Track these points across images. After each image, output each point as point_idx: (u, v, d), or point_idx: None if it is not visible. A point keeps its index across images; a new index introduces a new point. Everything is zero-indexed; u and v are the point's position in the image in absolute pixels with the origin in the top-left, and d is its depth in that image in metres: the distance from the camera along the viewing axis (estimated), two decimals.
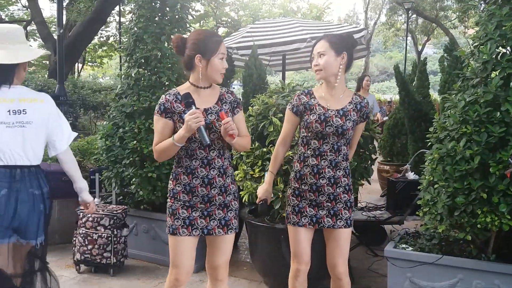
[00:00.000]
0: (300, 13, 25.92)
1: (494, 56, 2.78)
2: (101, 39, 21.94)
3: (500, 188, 2.58)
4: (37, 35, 17.91)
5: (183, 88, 2.28)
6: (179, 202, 2.25)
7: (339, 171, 2.43)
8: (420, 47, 32.40)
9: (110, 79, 43.32)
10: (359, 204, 4.52)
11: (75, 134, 2.60)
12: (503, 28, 2.75)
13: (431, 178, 2.95)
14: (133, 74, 3.89)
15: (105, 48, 23.29)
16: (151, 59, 3.86)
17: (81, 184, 2.59)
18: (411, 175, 4.66)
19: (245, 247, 4.57)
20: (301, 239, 2.46)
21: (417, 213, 3.28)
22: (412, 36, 30.09)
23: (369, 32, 5.90)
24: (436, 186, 2.89)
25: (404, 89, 5.76)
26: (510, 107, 2.64)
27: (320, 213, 2.42)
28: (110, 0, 10.18)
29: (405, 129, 6.49)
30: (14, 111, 2.29)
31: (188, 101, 2.10)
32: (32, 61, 23.83)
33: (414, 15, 26.33)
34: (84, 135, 7.17)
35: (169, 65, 3.92)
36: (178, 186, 2.25)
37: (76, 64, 18.82)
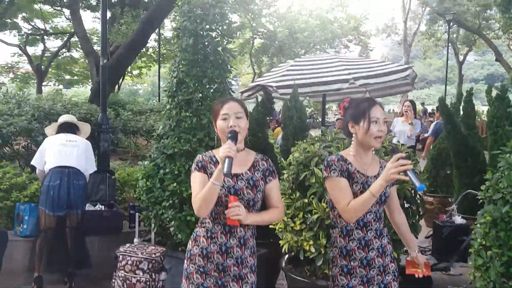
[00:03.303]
0: (337, 23, 25.64)
1: None
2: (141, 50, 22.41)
3: None
4: (80, 46, 18.44)
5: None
6: (194, 266, 2.21)
7: (384, 239, 2.31)
8: (461, 57, 31.44)
9: (148, 86, 44.32)
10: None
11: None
12: None
13: (483, 242, 2.80)
14: (174, 116, 3.90)
15: (144, 59, 23.81)
16: (192, 101, 3.86)
17: None
18: (458, 219, 4.49)
19: None
20: None
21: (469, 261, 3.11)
22: (453, 46, 29.23)
23: (414, 70, 5.70)
24: (489, 252, 2.74)
25: (450, 122, 5.54)
26: None
27: None
28: (151, 22, 10.33)
29: (449, 159, 6.26)
30: (70, 140, 4.43)
31: (229, 135, 2.13)
32: (74, 71, 24.73)
33: (455, 26, 25.57)
34: (123, 158, 7.28)
35: (210, 107, 3.90)
36: (196, 248, 2.22)
37: None
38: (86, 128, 4.77)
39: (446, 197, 6.30)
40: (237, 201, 2.14)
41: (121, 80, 21.71)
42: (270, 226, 3.53)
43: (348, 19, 26.24)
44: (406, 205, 3.29)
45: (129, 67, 24.00)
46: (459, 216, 4.48)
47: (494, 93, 5.18)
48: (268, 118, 4.54)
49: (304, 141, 3.58)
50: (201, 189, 2.13)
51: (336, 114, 26.64)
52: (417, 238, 3.37)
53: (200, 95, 3.89)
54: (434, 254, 4.35)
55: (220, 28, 4.08)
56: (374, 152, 2.41)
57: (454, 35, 28.46)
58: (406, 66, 5.83)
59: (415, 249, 2.39)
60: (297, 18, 25.23)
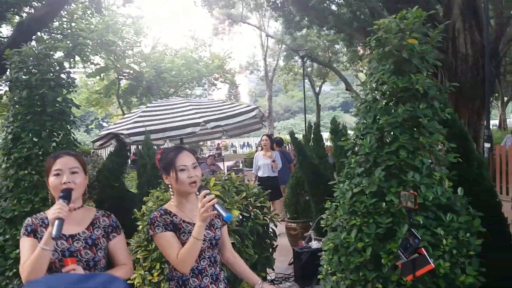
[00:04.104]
0: (202, 63, 26.27)
1: (375, 148, 2.92)
2: None
3: (394, 278, 2.67)
4: None
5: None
6: None
7: (221, 284, 2.31)
8: (317, 89, 34.48)
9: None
10: (268, 276, 4.48)
11: None
12: (380, 122, 2.92)
13: (329, 268, 3.00)
14: (12, 175, 3.54)
15: None
16: (31, 158, 3.55)
17: None
18: (314, 244, 4.77)
19: None
20: None
21: None
22: (309, 79, 31.93)
23: (261, 110, 6.10)
24: (334, 277, 2.93)
25: (301, 154, 5.95)
26: (394, 197, 2.77)
27: None
28: None
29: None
30: None
31: (61, 194, 2.03)
32: None
33: (309, 60, 28.02)
34: None
35: None
36: None
37: None
38: None
39: (307, 222, 6.69)
40: (75, 263, 2.01)
41: None
42: (129, 281, 3.35)
43: (212, 58, 27.06)
44: (263, 240, 3.39)
45: None
46: (315, 241, 4.78)
47: None
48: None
49: (158, 188, 3.52)
50: (29, 256, 1.98)
51: (210, 150, 26.98)
52: (273, 270, 3.50)
53: (40, 150, 3.61)
54: (296, 280, 4.55)
55: (57, 78, 3.87)
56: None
57: (309, 69, 31.15)
58: (253, 106, 6.17)
59: (258, 281, 2.37)
60: (163, 58, 25.23)
